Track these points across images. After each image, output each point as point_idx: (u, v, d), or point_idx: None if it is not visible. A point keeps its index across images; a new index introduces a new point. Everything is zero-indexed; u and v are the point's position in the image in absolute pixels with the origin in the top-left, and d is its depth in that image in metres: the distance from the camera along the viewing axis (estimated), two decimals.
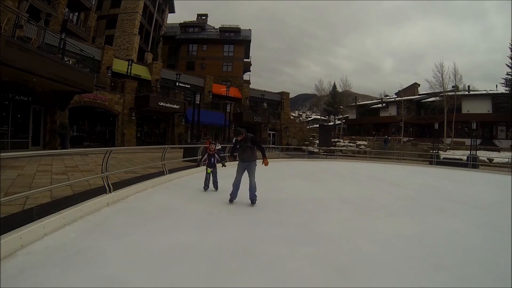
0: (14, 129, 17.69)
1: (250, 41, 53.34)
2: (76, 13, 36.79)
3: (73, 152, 17.75)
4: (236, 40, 51.54)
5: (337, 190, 11.45)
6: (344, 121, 62.11)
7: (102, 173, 6.81)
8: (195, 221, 5.97)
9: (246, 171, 7.93)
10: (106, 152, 6.96)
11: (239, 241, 5.01)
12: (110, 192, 6.76)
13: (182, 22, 56.55)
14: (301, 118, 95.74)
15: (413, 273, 4.13)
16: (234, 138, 8.81)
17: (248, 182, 7.75)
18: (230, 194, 7.85)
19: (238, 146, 8.35)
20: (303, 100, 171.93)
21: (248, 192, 7.75)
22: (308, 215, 7.17)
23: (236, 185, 7.84)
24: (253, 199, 7.74)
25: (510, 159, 25.91)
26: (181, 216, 6.31)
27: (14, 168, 9.62)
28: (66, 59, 17.17)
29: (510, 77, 45.42)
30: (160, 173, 10.15)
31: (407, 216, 7.60)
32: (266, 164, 8.10)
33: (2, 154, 4.11)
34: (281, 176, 14.13)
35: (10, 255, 3.78)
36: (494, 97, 46.47)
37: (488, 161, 30.62)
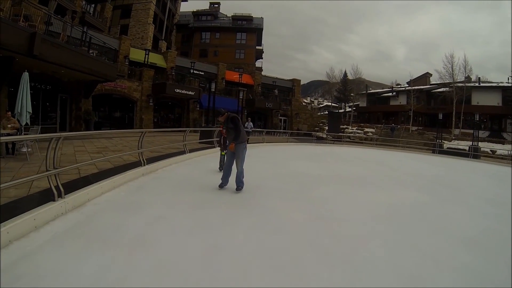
0: (43, 116, 19.14)
1: (262, 29, 54.13)
2: (93, 5, 38.28)
3: (112, 133, 19.37)
4: (248, 28, 52.41)
5: (335, 169, 12.84)
6: (354, 108, 62.04)
7: (138, 149, 8.41)
8: (213, 186, 7.50)
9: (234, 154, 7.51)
10: (142, 132, 8.60)
11: (245, 198, 6.75)
12: (144, 165, 8.41)
13: (195, 10, 57.23)
14: (312, 104, 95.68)
15: (373, 223, 5.79)
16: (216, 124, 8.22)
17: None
18: (221, 179, 7.53)
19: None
20: (316, 86, 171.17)
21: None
22: (304, 185, 8.86)
23: (225, 170, 7.54)
24: (238, 185, 7.31)
25: (510, 151, 26.79)
26: (201, 183, 7.85)
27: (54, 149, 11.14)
28: (90, 51, 18.52)
29: None
30: (181, 152, 11.71)
31: (388, 190, 9.08)
32: (231, 149, 7.38)
33: (63, 134, 5.54)
34: (288, 157, 15.75)
35: (82, 205, 5.36)
36: (504, 90, 46.03)
37: (491, 152, 31.08)
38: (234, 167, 7.40)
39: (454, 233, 5.43)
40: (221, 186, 7.44)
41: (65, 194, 5.04)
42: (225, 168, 7.56)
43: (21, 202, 4.81)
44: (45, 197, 4.93)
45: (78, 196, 5.37)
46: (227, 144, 7.93)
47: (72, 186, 5.70)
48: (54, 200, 4.77)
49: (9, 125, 10.30)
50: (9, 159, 9.04)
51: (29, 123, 11.52)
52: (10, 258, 3.39)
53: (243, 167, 7.40)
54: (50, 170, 4.90)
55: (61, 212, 4.78)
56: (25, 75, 11.24)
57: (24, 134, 11.15)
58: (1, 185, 4.04)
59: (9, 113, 10.82)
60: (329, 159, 16.49)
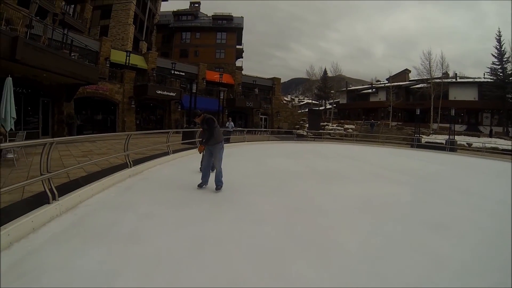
0: (25, 120, 19.13)
1: (242, 28, 54.67)
2: (73, 6, 38.01)
3: (99, 137, 19.58)
4: (228, 28, 52.80)
5: (313, 165, 13.41)
6: (335, 105, 62.83)
7: (124, 152, 8.70)
8: (196, 185, 7.77)
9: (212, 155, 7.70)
10: (128, 135, 8.89)
11: (228, 195, 7.15)
12: (130, 167, 8.74)
13: (175, 10, 57.33)
14: (293, 102, 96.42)
15: (346, 213, 6.35)
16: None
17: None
18: (201, 178, 7.71)
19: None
20: (297, 84, 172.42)
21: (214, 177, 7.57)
22: (284, 181, 9.37)
23: (204, 170, 7.79)
24: (217, 185, 7.44)
25: (485, 144, 27.91)
26: (185, 182, 8.18)
27: (39, 155, 11.30)
28: (72, 54, 18.58)
29: (495, 66, 46.29)
30: (165, 154, 12.01)
31: (363, 184, 9.66)
32: (199, 151, 7.82)
33: (56, 139, 5.81)
34: (268, 155, 16.31)
35: (74, 206, 5.66)
36: (480, 85, 48.02)
37: (467, 145, 32.06)
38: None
39: (423, 220, 5.97)
40: (200, 185, 7.62)
41: (58, 197, 5.33)
42: (203, 168, 7.81)
43: (16, 206, 5.08)
44: (39, 200, 5.21)
45: (71, 198, 5.66)
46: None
47: (64, 189, 5.96)
48: (49, 203, 5.06)
49: None
50: None
51: (13, 129, 11.65)
52: (14, 257, 3.68)
53: (221, 167, 7.57)
54: (44, 174, 5.18)
55: (56, 214, 5.08)
56: (9, 80, 11.37)
57: (10, 140, 11.28)
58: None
59: None
60: (308, 156, 16.96)
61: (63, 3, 34.99)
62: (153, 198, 6.57)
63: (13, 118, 11.31)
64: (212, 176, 7.66)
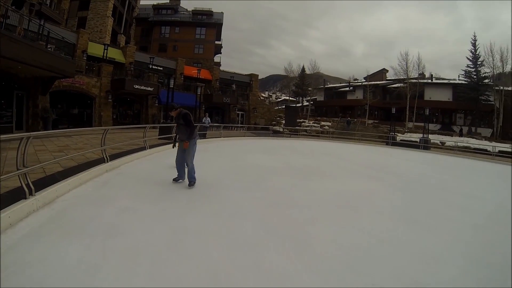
0: None
1: (221, 24, 54.50)
2: None
3: (77, 131, 19.18)
4: (208, 23, 52.54)
5: (289, 161, 13.67)
6: (312, 102, 63.14)
7: (101, 146, 8.71)
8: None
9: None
10: (105, 130, 8.90)
11: (204, 190, 7.27)
12: (107, 161, 8.75)
13: (155, 3, 56.76)
14: (271, 99, 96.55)
15: (321, 207, 6.54)
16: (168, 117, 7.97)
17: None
18: (177, 172, 7.76)
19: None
20: (274, 81, 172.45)
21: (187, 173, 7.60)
22: (260, 176, 9.62)
23: (178, 165, 7.73)
24: (190, 181, 7.43)
25: (456, 143, 29.12)
26: (162, 177, 8.23)
27: (13, 150, 11.19)
28: (48, 46, 18.30)
29: (470, 69, 48.50)
30: (142, 149, 12.02)
31: (336, 179, 10.05)
32: (185, 147, 7.44)
33: (32, 133, 5.82)
34: (245, 151, 16.53)
35: (52, 201, 5.68)
36: (455, 86, 49.59)
37: (440, 144, 32.93)
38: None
39: (396, 214, 6.33)
40: (176, 180, 7.71)
41: (35, 192, 5.34)
42: (177, 163, 7.72)
43: None
44: (16, 195, 5.20)
45: (48, 193, 5.67)
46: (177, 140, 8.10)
47: (40, 184, 5.97)
48: (25, 198, 5.06)
49: None
50: None
51: None
52: None
53: (193, 163, 7.58)
54: (21, 169, 5.18)
55: (33, 209, 5.09)
56: None
57: None
58: None
59: None
60: (284, 152, 17.19)
61: None
62: (130, 193, 6.64)
63: None
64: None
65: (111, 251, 3.92)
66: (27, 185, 5.24)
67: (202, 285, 3.33)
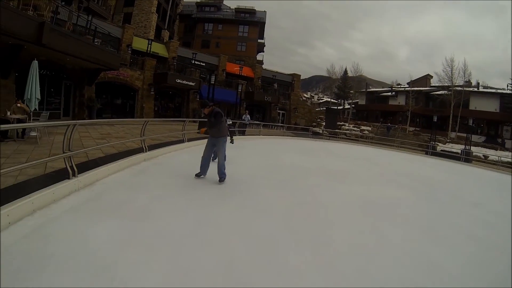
0: (47, 101, 19.70)
1: (264, 23, 54.46)
2: None
3: (118, 122, 20.36)
4: (251, 21, 52.65)
5: (324, 163, 13.49)
6: (353, 106, 61.76)
7: (141, 137, 9.13)
8: (209, 171, 8.06)
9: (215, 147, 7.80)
10: (145, 121, 9.30)
11: (235, 185, 7.53)
12: (146, 151, 9.16)
13: (198, 1, 57.27)
14: (313, 99, 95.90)
15: (346, 211, 6.74)
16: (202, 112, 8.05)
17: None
18: (200, 168, 7.72)
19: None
20: (317, 81, 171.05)
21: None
22: (292, 176, 9.72)
23: (204, 160, 7.71)
24: (221, 177, 7.51)
25: (500, 158, 26.94)
26: (197, 170, 8.32)
27: (61, 134, 11.80)
28: (95, 40, 19.11)
29: None
30: (180, 141, 12.38)
31: (368, 185, 9.78)
32: (201, 132, 8.01)
33: (78, 122, 6.23)
34: (282, 150, 16.54)
35: (92, 184, 6.10)
36: (502, 97, 45.34)
37: (483, 157, 31.21)
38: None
39: (418, 224, 6.19)
40: (198, 175, 7.69)
41: (78, 174, 5.79)
42: (203, 159, 7.68)
43: (40, 179, 5.56)
44: (60, 175, 5.66)
45: (89, 176, 6.12)
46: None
47: (83, 167, 6.39)
48: (69, 178, 5.53)
49: (19, 106, 11.02)
50: (20, 143, 9.77)
51: (37, 109, 12.22)
52: (37, 222, 4.18)
53: (224, 159, 7.71)
54: (66, 153, 5.63)
55: (75, 189, 5.52)
56: (35, 63, 11.93)
57: (34, 119, 11.85)
58: (21, 165, 4.86)
59: (20, 101, 11.49)
60: (321, 154, 17.08)
61: None
62: (164, 182, 6.99)
63: (37, 98, 11.91)
64: (213, 168, 7.73)
65: (139, 231, 4.29)
66: (71, 167, 5.70)
67: (217, 269, 3.56)
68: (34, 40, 12.79)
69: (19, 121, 10.60)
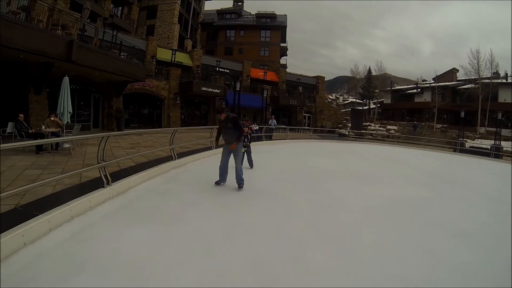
0: (77, 114, 20.36)
1: (285, 26, 54.52)
2: (120, 8, 39.84)
3: (147, 132, 21.04)
4: (272, 26, 52.89)
5: (349, 165, 13.41)
6: (379, 105, 61.01)
7: (170, 145, 9.43)
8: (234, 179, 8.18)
9: (232, 154, 7.57)
10: (174, 131, 9.64)
11: (262, 189, 7.70)
12: (175, 159, 9.43)
13: (219, 9, 58.10)
14: (338, 101, 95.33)
15: (371, 212, 6.82)
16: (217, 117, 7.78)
17: (234, 165, 7.45)
18: (219, 176, 7.63)
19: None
20: (341, 82, 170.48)
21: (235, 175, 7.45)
22: (318, 178, 9.78)
23: (223, 168, 7.60)
24: (239, 184, 7.40)
25: None
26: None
27: (92, 145, 12.18)
28: (121, 54, 19.72)
29: None
30: (208, 148, 12.58)
31: (394, 186, 9.66)
32: (232, 148, 7.41)
33: (111, 134, 6.49)
34: (308, 153, 16.58)
35: (125, 191, 6.36)
36: None
37: None
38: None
39: (444, 225, 5.96)
40: (218, 183, 7.59)
41: (111, 182, 6.07)
42: (222, 167, 7.56)
43: (76, 188, 5.90)
44: (95, 184, 5.98)
45: (122, 184, 6.39)
46: (245, 141, 8.98)
47: (115, 176, 6.65)
48: (103, 187, 5.81)
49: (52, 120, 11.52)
50: (55, 154, 10.25)
51: (69, 122, 12.69)
52: (76, 228, 4.47)
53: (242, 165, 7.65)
54: (101, 163, 5.91)
55: (109, 197, 5.80)
56: (66, 79, 12.40)
57: (67, 132, 12.33)
58: (58, 176, 5.17)
59: (53, 115, 11.99)
60: (346, 156, 16.96)
61: (112, 5, 36.62)
62: (194, 188, 7.18)
63: (69, 112, 12.38)
64: (232, 174, 7.55)
65: (172, 235, 4.48)
66: (105, 176, 5.98)
67: (247, 269, 3.70)
68: (64, 57, 13.38)
69: (53, 134, 11.08)
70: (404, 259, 4.31)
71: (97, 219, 4.85)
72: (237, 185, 7.38)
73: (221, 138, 7.77)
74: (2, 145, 3.82)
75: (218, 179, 7.64)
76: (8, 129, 11.56)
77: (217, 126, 7.67)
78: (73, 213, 4.78)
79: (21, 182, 6.16)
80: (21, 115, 11.83)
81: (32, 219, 4.11)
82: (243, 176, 7.43)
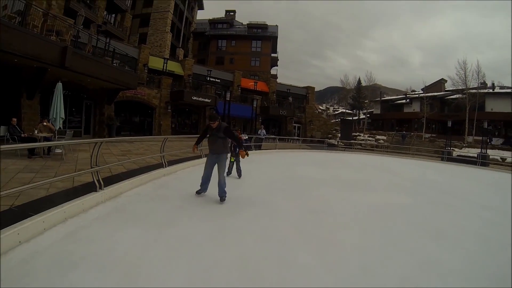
0: (69, 120, 20.43)
1: (277, 37, 55.28)
2: (113, 15, 40.05)
3: (139, 139, 21.24)
4: (263, 36, 53.48)
5: (337, 174, 13.69)
6: (368, 115, 61.89)
7: (160, 153, 9.63)
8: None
9: (216, 164, 7.23)
10: (164, 139, 9.95)
11: (251, 196, 7.96)
12: (165, 167, 9.59)
13: (211, 18, 58.48)
14: (328, 111, 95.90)
15: (356, 218, 7.10)
16: (206, 125, 7.47)
17: (217, 176, 7.08)
18: (200, 185, 7.36)
19: (208, 135, 7.37)
20: (332, 92, 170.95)
21: (217, 187, 7.08)
22: (306, 186, 10.02)
23: (205, 178, 7.29)
24: (222, 196, 7.04)
25: None
26: (214, 183, 8.70)
27: (84, 151, 12.31)
28: (114, 61, 19.89)
29: None
30: (198, 157, 12.72)
31: (378, 193, 10.03)
32: (243, 156, 7.63)
33: (104, 139, 6.69)
34: (297, 163, 16.78)
35: (116, 196, 6.54)
36: None
37: (500, 160, 31.03)
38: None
39: (424, 227, 6.34)
40: (199, 192, 7.36)
41: (104, 187, 6.25)
42: (204, 177, 7.26)
43: (69, 192, 6.08)
44: (87, 188, 6.16)
45: (114, 189, 6.58)
46: (236, 151, 9.14)
47: (107, 181, 6.82)
48: (96, 191, 5.98)
49: (45, 125, 11.69)
50: (47, 159, 10.39)
51: (62, 127, 12.83)
52: (69, 228, 4.66)
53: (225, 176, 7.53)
54: (94, 167, 6.09)
55: (101, 200, 5.98)
56: (59, 85, 12.56)
57: (59, 137, 12.49)
58: (52, 179, 5.39)
59: (46, 120, 12.13)
60: (335, 165, 17.23)
61: (105, 12, 36.80)
62: (184, 194, 7.36)
63: (62, 118, 12.53)
64: (214, 183, 7.19)
65: (162, 237, 4.69)
66: (98, 181, 6.16)
67: (233, 267, 3.92)
68: (58, 63, 13.55)
69: (46, 139, 11.22)
70: (383, 257, 4.60)
71: (90, 221, 5.04)
72: (218, 198, 7.01)
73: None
74: (2, 146, 3.99)
75: (199, 188, 7.39)
76: (1, 133, 11.72)
77: (208, 135, 7.35)
78: (67, 215, 4.97)
79: (15, 184, 6.30)
80: (14, 119, 11.98)
81: (27, 219, 4.28)
82: (226, 189, 7.08)
